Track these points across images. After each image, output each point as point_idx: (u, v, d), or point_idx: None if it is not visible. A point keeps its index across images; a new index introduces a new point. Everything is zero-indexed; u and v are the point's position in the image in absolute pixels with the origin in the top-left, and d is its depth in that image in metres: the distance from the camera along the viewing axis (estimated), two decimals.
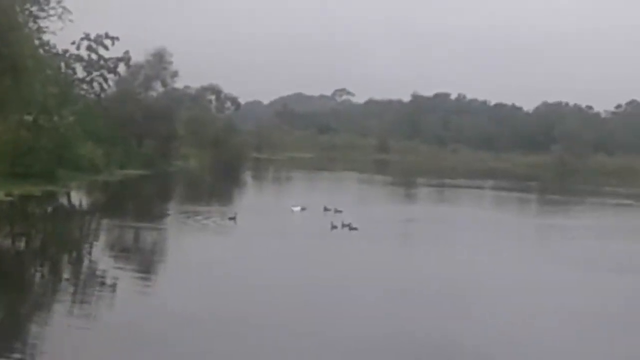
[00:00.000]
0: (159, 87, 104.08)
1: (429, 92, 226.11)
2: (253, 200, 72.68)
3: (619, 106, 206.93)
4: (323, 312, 26.66)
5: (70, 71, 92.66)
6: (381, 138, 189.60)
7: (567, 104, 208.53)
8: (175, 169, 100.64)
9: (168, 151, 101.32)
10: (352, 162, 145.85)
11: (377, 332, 24.16)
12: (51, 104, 65.24)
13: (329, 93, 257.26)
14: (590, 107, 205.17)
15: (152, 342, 21.79)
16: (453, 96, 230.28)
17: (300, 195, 69.98)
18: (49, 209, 54.30)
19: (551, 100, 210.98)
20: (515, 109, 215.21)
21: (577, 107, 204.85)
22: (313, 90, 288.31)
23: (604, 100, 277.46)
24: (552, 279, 35.87)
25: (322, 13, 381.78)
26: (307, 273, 34.17)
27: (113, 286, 28.46)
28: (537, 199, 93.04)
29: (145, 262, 35.59)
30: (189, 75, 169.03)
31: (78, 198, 61.70)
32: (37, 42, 67.56)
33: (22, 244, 37.46)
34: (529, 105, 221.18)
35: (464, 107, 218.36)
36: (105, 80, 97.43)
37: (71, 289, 28.05)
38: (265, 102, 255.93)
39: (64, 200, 59.30)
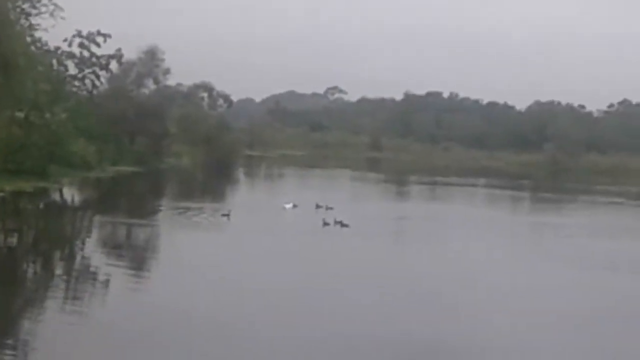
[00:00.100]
0: (151, 85, 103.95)
1: (421, 91, 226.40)
2: (246, 197, 72.64)
3: (611, 105, 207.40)
4: (314, 311, 26.61)
5: (62, 68, 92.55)
6: (374, 136, 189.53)
7: (559, 103, 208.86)
8: (168, 167, 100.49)
9: (160, 148, 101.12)
10: (345, 160, 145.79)
11: (366, 331, 24.10)
12: (43, 101, 65.09)
13: (321, 91, 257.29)
14: (582, 107, 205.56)
15: (144, 339, 21.73)
16: (445, 95, 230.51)
17: (293, 193, 69.94)
18: (41, 205, 54.16)
19: (544, 99, 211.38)
20: (508, 108, 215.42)
21: (569, 106, 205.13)
22: (305, 88, 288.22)
23: (596, 99, 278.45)
24: (545, 277, 35.89)
25: (315, 12, 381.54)
26: (299, 271, 34.10)
27: (105, 283, 28.41)
28: (530, 197, 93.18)
29: (138, 258, 35.55)
30: (181, 72, 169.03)
31: (70, 194, 61.56)
32: (29, 39, 67.40)
33: (14, 240, 37.31)
34: (521, 104, 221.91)
35: (457, 106, 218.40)
36: (98, 77, 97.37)
37: (63, 286, 27.99)
38: (258, 99, 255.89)
39: (56, 197, 59.19)
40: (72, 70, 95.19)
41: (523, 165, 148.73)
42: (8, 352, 19.52)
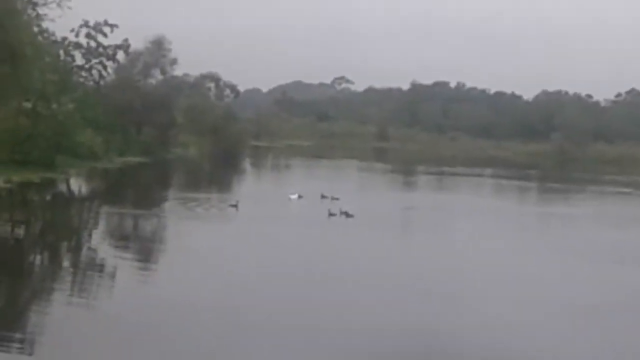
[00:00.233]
0: (158, 75, 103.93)
1: (428, 81, 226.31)
2: (252, 188, 72.62)
3: (618, 95, 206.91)
4: (318, 301, 26.56)
5: (69, 58, 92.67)
6: (380, 126, 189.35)
7: (566, 93, 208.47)
8: (174, 157, 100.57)
9: (167, 139, 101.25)
10: (351, 150, 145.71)
11: (369, 322, 24.06)
12: (50, 91, 65.16)
13: (328, 81, 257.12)
14: (590, 96, 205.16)
15: (151, 331, 21.72)
16: (452, 84, 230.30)
17: (299, 183, 69.91)
18: (48, 196, 54.24)
19: (551, 89, 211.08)
20: (515, 98, 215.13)
21: (576, 96, 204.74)
22: (312, 78, 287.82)
23: (603, 89, 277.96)
24: (552, 268, 35.68)
25: (322, 2, 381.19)
26: (305, 262, 34.09)
27: (112, 274, 28.40)
28: (537, 188, 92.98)
29: (145, 250, 35.52)
30: (188, 63, 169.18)
31: (77, 185, 61.64)
32: (36, 29, 67.44)
33: (21, 231, 37.37)
34: (528, 93, 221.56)
35: (464, 96, 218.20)
36: (104, 67, 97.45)
37: (70, 277, 27.98)
38: (265, 90, 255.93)
39: (63, 187, 59.25)
40: (79, 60, 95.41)
41: (530, 155, 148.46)
42: (16, 344, 19.53)
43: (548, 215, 59.23)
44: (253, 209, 49.25)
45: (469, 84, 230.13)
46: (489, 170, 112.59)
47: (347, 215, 46.94)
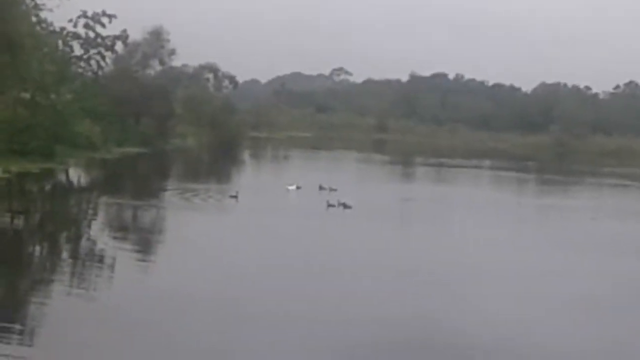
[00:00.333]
0: (156, 66, 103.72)
1: (427, 72, 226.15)
2: (251, 178, 72.64)
3: (617, 87, 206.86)
4: (317, 292, 26.57)
5: (67, 49, 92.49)
6: (379, 117, 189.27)
7: (565, 85, 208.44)
8: (173, 148, 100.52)
9: (165, 129, 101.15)
10: (350, 142, 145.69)
11: (368, 313, 24.05)
12: (48, 82, 65.09)
13: (326, 72, 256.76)
14: (588, 88, 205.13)
15: (150, 322, 21.71)
16: (451, 76, 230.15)
17: (298, 174, 69.91)
18: (47, 186, 54.20)
19: (550, 80, 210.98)
20: (514, 90, 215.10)
21: (575, 88, 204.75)
22: (311, 69, 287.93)
23: (602, 81, 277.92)
24: (551, 261, 35.64)
25: None
26: (304, 253, 34.10)
27: (111, 265, 28.36)
28: (535, 180, 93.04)
29: (145, 240, 35.51)
30: (187, 53, 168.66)
31: (76, 175, 61.62)
32: (34, 19, 67.40)
33: (20, 222, 37.34)
34: (527, 85, 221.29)
35: (462, 87, 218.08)
36: (103, 58, 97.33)
37: (69, 268, 27.95)
38: (263, 81, 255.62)
39: (61, 178, 59.21)
40: (78, 51, 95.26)
41: (529, 147, 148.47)
42: (14, 335, 19.50)
43: (546, 207, 59.27)
44: (252, 199, 49.28)
45: (467, 76, 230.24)
46: (487, 162, 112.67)
47: (345, 206, 47.00)
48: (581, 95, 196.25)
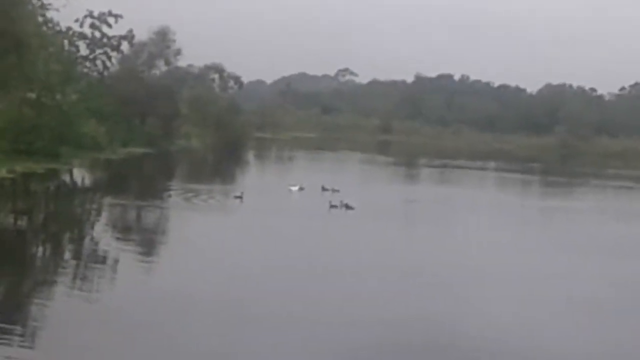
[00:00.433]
0: (162, 66, 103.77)
1: (432, 73, 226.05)
2: (256, 179, 72.72)
3: (622, 89, 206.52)
4: (320, 294, 26.63)
5: (73, 49, 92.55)
6: (384, 119, 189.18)
7: (570, 86, 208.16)
8: (178, 148, 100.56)
9: (171, 130, 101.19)
10: (355, 143, 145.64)
11: (370, 315, 24.10)
12: (54, 82, 65.17)
13: (332, 73, 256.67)
14: (593, 90, 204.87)
15: (152, 324, 21.72)
16: (456, 77, 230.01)
17: (302, 175, 69.93)
18: (52, 187, 54.29)
19: (555, 82, 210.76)
20: (519, 91, 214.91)
21: (580, 89, 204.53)
22: (316, 70, 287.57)
23: (607, 82, 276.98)
24: (554, 263, 35.61)
25: None
26: (307, 255, 34.12)
27: (115, 266, 28.40)
28: (540, 181, 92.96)
29: (149, 241, 35.53)
30: (192, 54, 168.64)
31: (80, 176, 61.69)
32: (40, 19, 67.47)
33: (24, 222, 37.45)
34: (532, 87, 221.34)
35: (468, 88, 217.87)
36: (109, 58, 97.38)
37: (72, 268, 28.00)
38: (269, 81, 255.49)
39: (66, 178, 59.28)
40: (84, 51, 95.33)
41: (534, 149, 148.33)
42: (17, 335, 19.50)
43: (551, 209, 59.24)
44: (256, 200, 49.37)
45: (473, 77, 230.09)
46: (492, 164, 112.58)
47: (348, 207, 47.13)
48: (586, 97, 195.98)
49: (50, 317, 21.41)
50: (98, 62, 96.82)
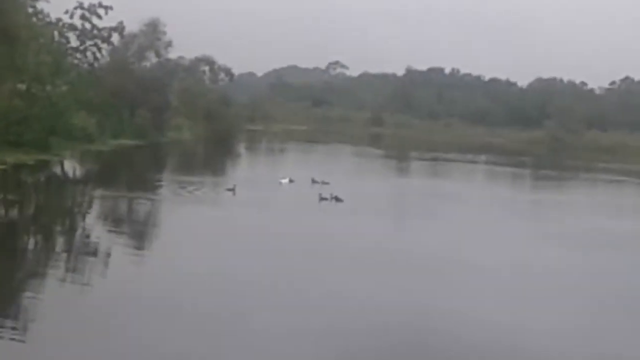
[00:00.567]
0: (152, 58, 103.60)
1: (422, 66, 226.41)
2: (247, 171, 72.64)
3: (613, 83, 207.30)
4: (307, 287, 26.72)
5: (63, 40, 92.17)
6: (375, 111, 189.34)
7: (561, 80, 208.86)
8: (169, 140, 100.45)
9: (161, 122, 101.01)
10: (346, 135, 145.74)
11: (362, 305, 24.21)
12: (44, 73, 64.99)
13: (323, 66, 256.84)
14: (584, 84, 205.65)
15: (144, 315, 21.74)
16: (447, 70, 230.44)
17: (293, 167, 70.00)
18: (42, 178, 54.16)
19: (545, 76, 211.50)
20: (510, 85, 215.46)
21: (571, 83, 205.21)
22: (307, 62, 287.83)
23: (598, 76, 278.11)
24: (544, 256, 35.72)
25: None
26: (299, 249, 34.20)
27: (107, 258, 28.32)
28: (530, 175, 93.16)
29: (141, 234, 35.45)
30: (183, 46, 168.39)
31: (71, 167, 61.58)
32: (30, 10, 67.32)
33: (14, 213, 37.39)
34: (523, 80, 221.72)
35: (458, 82, 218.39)
36: (99, 49, 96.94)
37: (64, 260, 27.98)
38: (259, 74, 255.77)
39: (57, 170, 59.18)
40: (74, 42, 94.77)
41: (524, 142, 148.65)
42: (7, 330, 19.41)
43: (540, 203, 59.41)
44: (247, 193, 49.34)
45: (463, 70, 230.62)
46: (482, 157, 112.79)
47: (337, 199, 47.33)
48: (577, 91, 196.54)
49: (41, 310, 21.31)
50: (88, 54, 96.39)
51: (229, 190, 49.13)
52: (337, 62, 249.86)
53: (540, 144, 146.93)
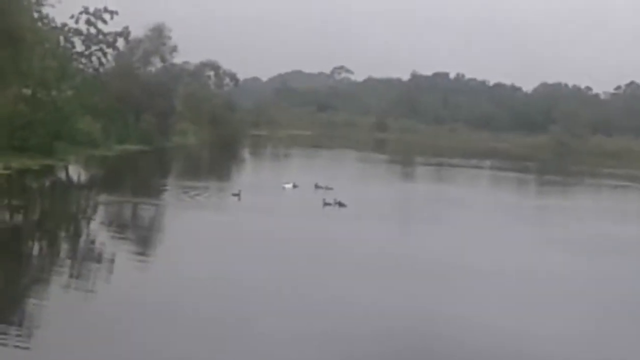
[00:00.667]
0: (157, 63, 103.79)
1: (428, 71, 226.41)
2: (251, 177, 72.65)
3: (618, 88, 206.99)
4: (311, 291, 26.71)
5: (69, 45, 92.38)
6: (380, 116, 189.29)
7: (566, 85, 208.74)
8: (174, 145, 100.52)
9: (166, 127, 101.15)
10: (351, 140, 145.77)
11: (365, 310, 24.18)
12: (49, 78, 65.10)
13: (328, 71, 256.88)
14: (589, 88, 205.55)
15: (149, 324, 21.68)
16: (452, 75, 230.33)
17: (297, 173, 69.97)
18: (47, 183, 54.21)
19: (550, 81, 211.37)
20: (515, 89, 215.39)
21: (576, 88, 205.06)
22: (312, 67, 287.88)
23: (603, 81, 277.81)
24: (548, 262, 35.64)
25: None
26: (304, 254, 34.18)
27: (111, 264, 28.28)
28: (535, 180, 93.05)
29: (145, 240, 35.41)
30: (188, 50, 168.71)
31: (76, 172, 61.59)
32: (35, 14, 67.36)
33: (19, 218, 37.39)
34: (528, 85, 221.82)
35: (463, 87, 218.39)
36: (104, 54, 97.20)
37: (68, 266, 27.94)
38: (264, 79, 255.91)
39: (61, 175, 59.24)
40: (79, 47, 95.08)
41: (529, 147, 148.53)
42: (11, 337, 19.32)
43: (545, 208, 59.28)
44: (252, 198, 49.34)
45: (468, 75, 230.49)
46: (487, 162, 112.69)
47: (340, 204, 47.37)
48: (582, 96, 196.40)
49: (46, 316, 21.22)
50: (93, 59, 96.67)
51: (235, 195, 49.18)
52: (342, 67, 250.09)
53: (545, 149, 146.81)
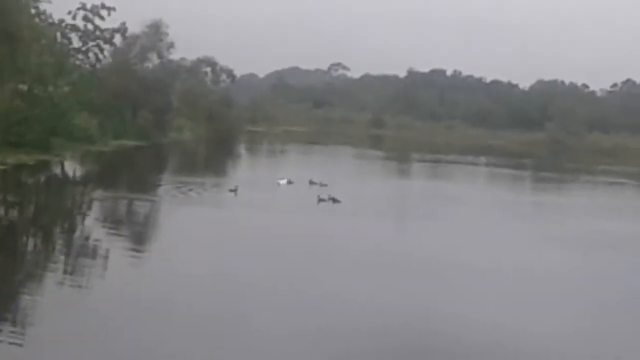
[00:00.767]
0: (154, 59, 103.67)
1: (424, 68, 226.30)
2: (247, 172, 72.63)
3: (614, 85, 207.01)
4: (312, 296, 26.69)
5: (66, 41, 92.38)
6: (376, 113, 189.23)
7: (562, 82, 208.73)
8: (170, 141, 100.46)
9: (163, 123, 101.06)
10: (347, 137, 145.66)
11: (361, 306, 24.17)
12: (46, 74, 65.03)
13: (324, 67, 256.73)
14: (586, 86, 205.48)
15: (143, 321, 21.64)
16: (449, 72, 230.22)
17: (293, 169, 69.95)
18: (43, 179, 54.14)
19: (547, 78, 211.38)
20: (511, 86, 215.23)
21: (572, 86, 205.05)
22: (309, 64, 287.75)
23: (599, 79, 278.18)
24: (545, 259, 35.62)
25: None
26: (299, 250, 34.19)
27: (106, 259, 28.24)
28: (531, 177, 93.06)
29: (141, 235, 35.48)
30: (185, 47, 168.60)
31: (72, 168, 61.54)
32: (33, 11, 67.38)
33: (14, 213, 37.34)
34: (524, 82, 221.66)
35: (460, 84, 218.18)
36: (101, 50, 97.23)
37: (63, 261, 27.87)
38: (261, 75, 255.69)
39: (57, 170, 59.16)
40: (76, 43, 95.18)
41: (525, 144, 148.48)
42: (6, 329, 19.32)
43: (541, 205, 59.31)
44: (249, 194, 49.32)
45: (465, 72, 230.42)
46: (483, 159, 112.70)
47: (334, 200, 47.43)
48: (578, 93, 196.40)
49: (40, 312, 21.15)
50: (90, 55, 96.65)
51: (231, 191, 49.21)
52: (338, 64, 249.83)
53: (541, 146, 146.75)
